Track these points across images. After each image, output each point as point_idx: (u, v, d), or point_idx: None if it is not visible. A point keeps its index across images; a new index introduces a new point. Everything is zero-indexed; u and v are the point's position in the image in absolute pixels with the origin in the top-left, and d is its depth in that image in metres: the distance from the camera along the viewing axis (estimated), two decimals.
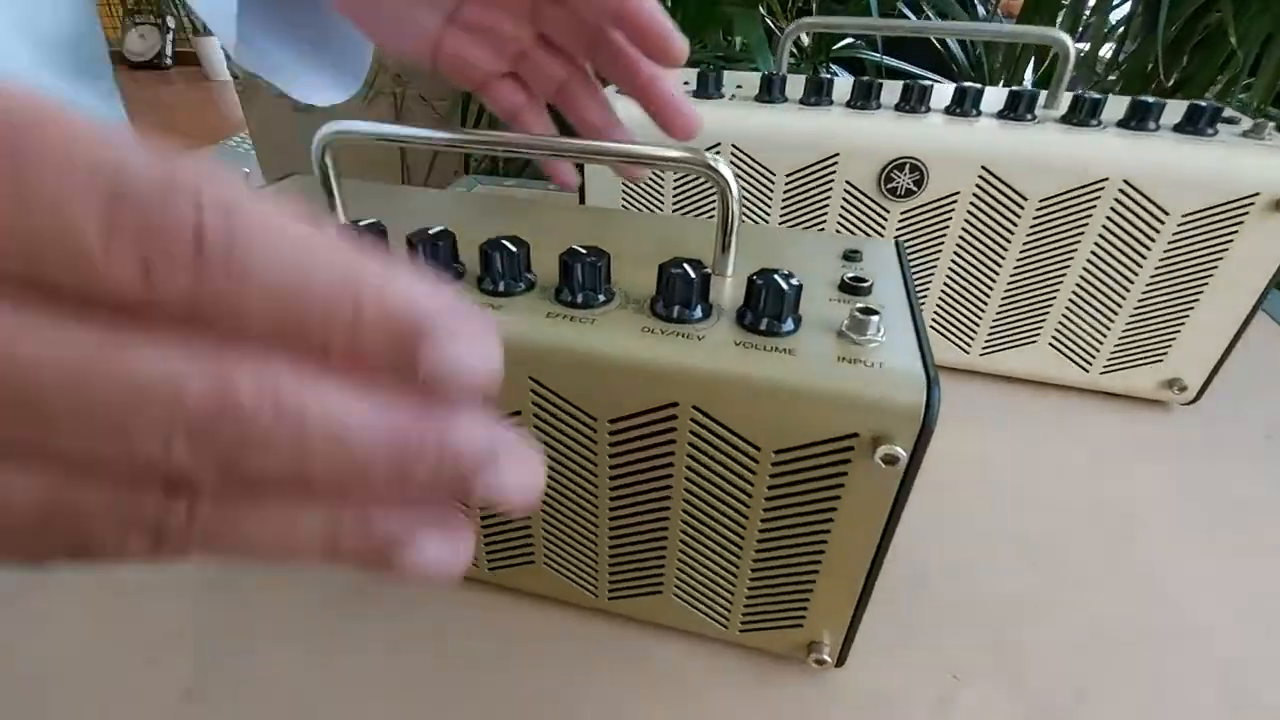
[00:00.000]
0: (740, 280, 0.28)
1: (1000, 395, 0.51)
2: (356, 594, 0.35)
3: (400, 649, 0.32)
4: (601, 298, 0.27)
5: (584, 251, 0.26)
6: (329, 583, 0.35)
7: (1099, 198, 0.43)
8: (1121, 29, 1.04)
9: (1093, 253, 0.45)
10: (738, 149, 0.48)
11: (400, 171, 1.61)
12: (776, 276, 0.25)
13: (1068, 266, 0.46)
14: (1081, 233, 0.44)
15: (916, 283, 0.49)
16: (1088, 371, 0.49)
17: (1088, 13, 1.05)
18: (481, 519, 0.32)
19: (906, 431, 0.23)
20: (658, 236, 0.33)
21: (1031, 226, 0.45)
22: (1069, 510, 0.41)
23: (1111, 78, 1.06)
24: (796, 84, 0.50)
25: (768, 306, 0.25)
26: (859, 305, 0.25)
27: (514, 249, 0.27)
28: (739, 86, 0.53)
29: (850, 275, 0.28)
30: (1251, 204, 0.41)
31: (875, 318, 0.24)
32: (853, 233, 0.49)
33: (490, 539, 0.32)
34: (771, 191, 0.49)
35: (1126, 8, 1.04)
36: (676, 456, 0.26)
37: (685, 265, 0.25)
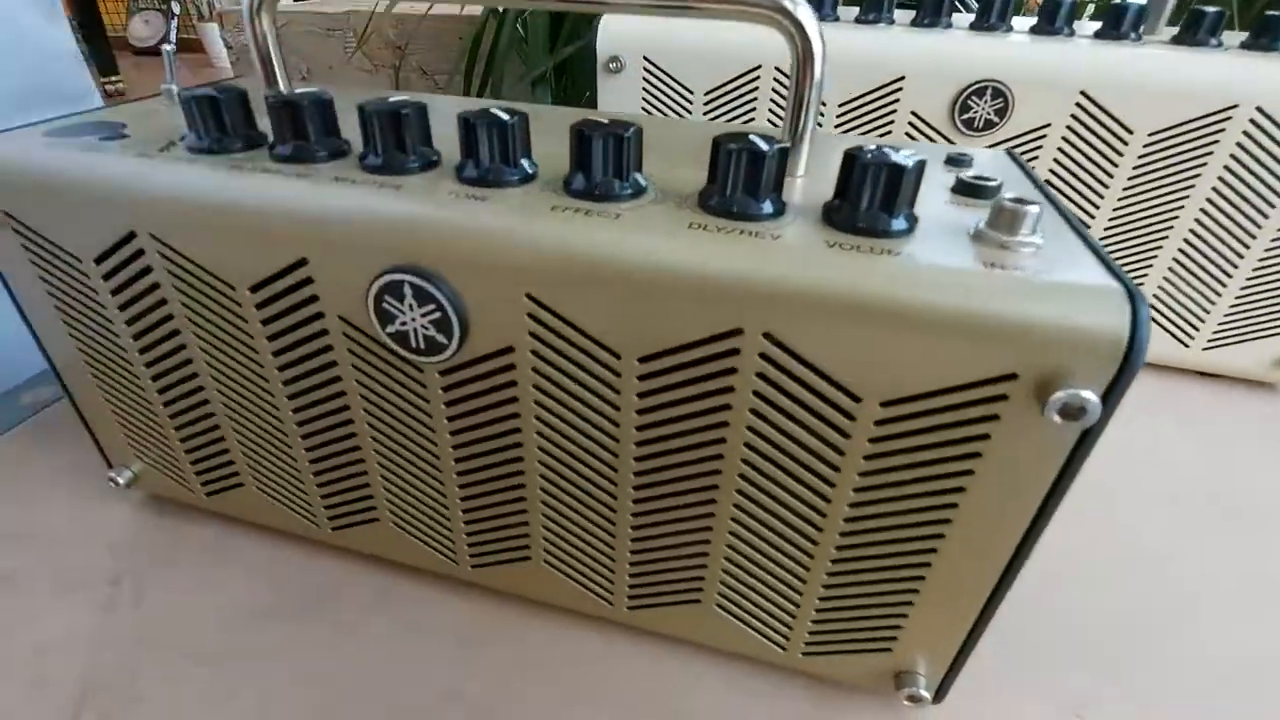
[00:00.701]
0: (817, 182, 0.21)
1: None
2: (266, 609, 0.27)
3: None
4: (629, 188, 0.19)
5: (605, 123, 0.18)
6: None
7: (1223, 131, 0.35)
8: None
9: (1208, 199, 0.37)
10: (783, 72, 0.40)
11: None
12: (885, 148, 0.17)
13: (1176, 217, 0.38)
14: (1198, 174, 0.37)
15: None
16: (1188, 347, 0.42)
17: None
18: (485, 509, 0.24)
19: (1097, 368, 0.15)
20: (697, 137, 0.25)
21: (1135, 167, 0.37)
22: (1185, 509, 0.33)
23: None
24: (848, 9, 0.43)
25: (873, 192, 0.17)
26: (1008, 196, 0.17)
27: (506, 118, 0.19)
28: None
29: (970, 175, 0.21)
30: None
31: (1032, 209, 0.17)
32: None
33: (479, 533, 0.25)
34: (820, 125, 0.41)
35: None
36: (733, 412, 0.18)
37: (753, 137, 0.17)
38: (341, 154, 0.22)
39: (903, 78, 0.39)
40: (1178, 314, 0.41)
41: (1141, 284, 0.40)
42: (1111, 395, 0.15)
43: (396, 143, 0.20)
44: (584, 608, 0.25)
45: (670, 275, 0.17)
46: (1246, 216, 0.37)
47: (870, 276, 0.16)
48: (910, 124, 0.40)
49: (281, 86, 0.25)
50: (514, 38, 0.75)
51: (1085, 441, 0.16)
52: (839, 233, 0.17)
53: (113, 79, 1.96)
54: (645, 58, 0.42)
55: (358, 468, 0.25)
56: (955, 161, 0.23)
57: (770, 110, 0.41)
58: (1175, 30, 0.38)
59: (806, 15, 0.19)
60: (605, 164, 0.18)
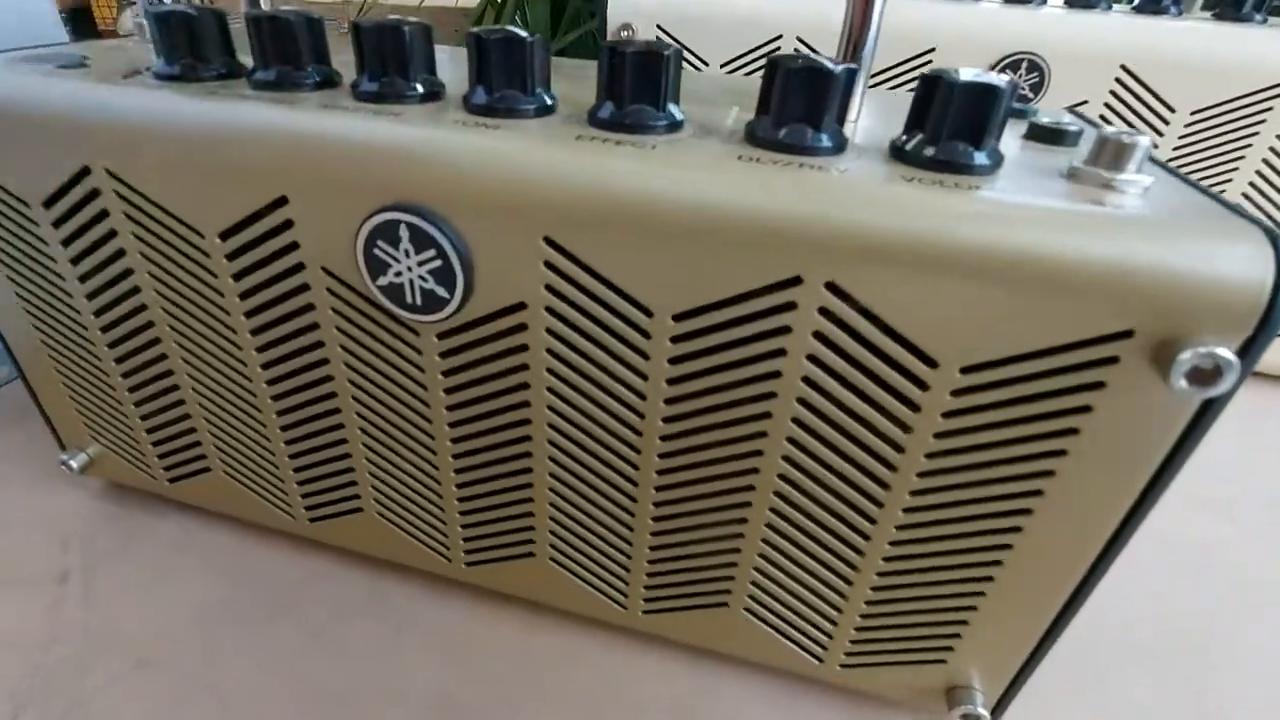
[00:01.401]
0: (875, 127, 0.18)
1: None
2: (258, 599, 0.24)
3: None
4: (664, 119, 0.16)
5: (642, 42, 0.16)
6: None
7: (1270, 109, 0.33)
8: None
9: (1251, 183, 0.35)
10: (803, 43, 0.38)
11: None
12: (966, 71, 0.14)
13: None
14: (1243, 156, 0.35)
15: None
16: None
17: None
18: (482, 509, 0.21)
19: (1231, 323, 0.13)
20: (730, 84, 0.23)
21: (1176, 147, 0.35)
22: (1241, 511, 0.31)
23: None
24: None
25: (958, 119, 0.14)
26: (1109, 130, 0.15)
27: (525, 35, 0.16)
28: None
29: (1044, 120, 0.18)
30: None
31: (1143, 140, 0.14)
32: None
33: (477, 524, 0.22)
34: None
35: None
36: (783, 380, 0.16)
37: (820, 60, 0.15)
38: (332, 83, 0.19)
39: (933, 50, 0.36)
40: None
41: None
42: (1249, 356, 0.13)
43: (396, 67, 0.17)
44: (594, 611, 0.23)
45: (717, 213, 0.14)
46: None
47: (954, 216, 0.13)
48: None
49: (264, 4, 0.22)
50: (515, 24, 0.72)
51: (1208, 412, 0.13)
52: (914, 169, 0.15)
53: None
54: (659, 26, 0.40)
55: (340, 449, 0.22)
56: (1018, 114, 0.21)
57: None
58: (1215, 9, 0.37)
59: None
60: (639, 89, 0.16)
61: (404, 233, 0.16)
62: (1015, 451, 0.15)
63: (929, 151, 0.15)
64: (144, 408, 0.24)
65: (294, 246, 0.18)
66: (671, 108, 0.16)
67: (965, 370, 0.14)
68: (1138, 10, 0.36)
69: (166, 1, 0.23)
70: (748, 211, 0.14)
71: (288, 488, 0.24)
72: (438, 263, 0.16)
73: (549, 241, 0.16)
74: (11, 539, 0.26)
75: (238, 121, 0.17)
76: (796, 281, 0.14)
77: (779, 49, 0.38)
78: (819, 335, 0.15)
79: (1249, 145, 0.34)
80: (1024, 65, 0.35)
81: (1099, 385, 0.14)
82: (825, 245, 0.14)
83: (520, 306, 0.17)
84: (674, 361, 0.16)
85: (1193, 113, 0.34)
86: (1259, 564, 0.28)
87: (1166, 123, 0.35)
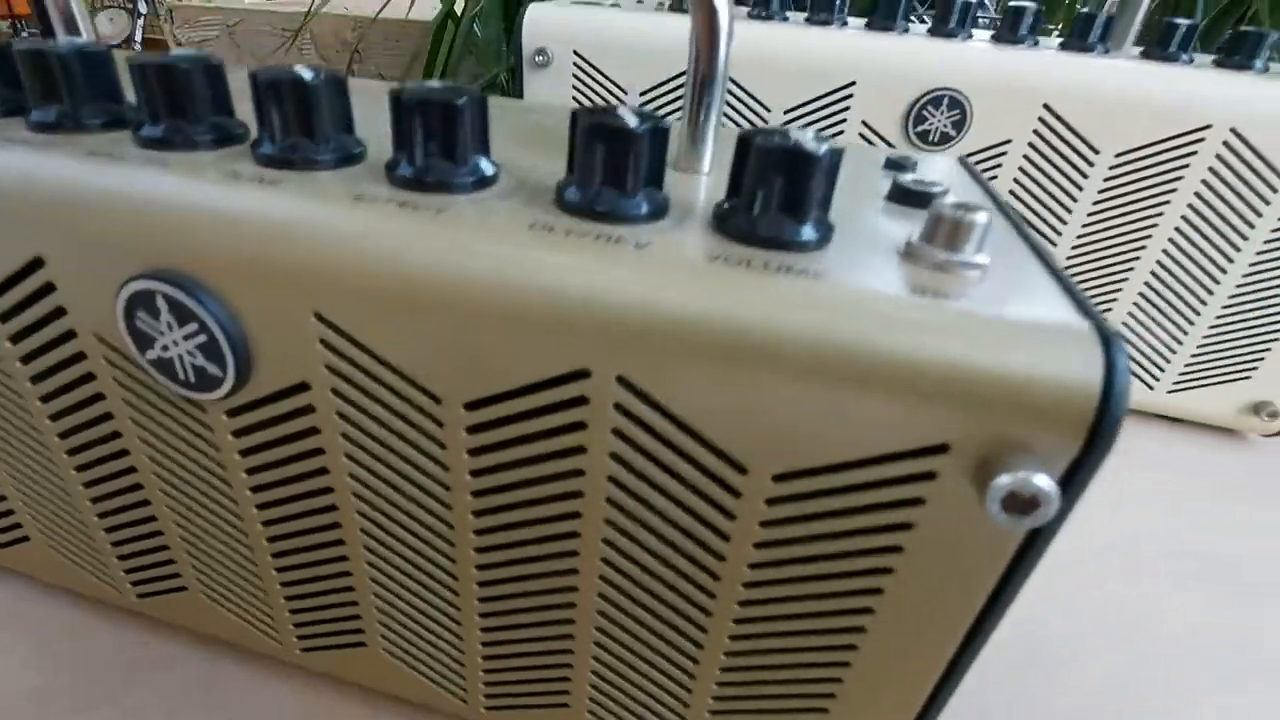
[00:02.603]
0: (721, 181, 0.17)
1: None
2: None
3: None
4: (469, 176, 0.14)
5: (435, 88, 0.14)
6: None
7: (1195, 153, 0.32)
8: None
9: (1177, 228, 0.34)
10: (734, 81, 0.36)
11: None
12: (793, 133, 0.13)
13: (1144, 245, 0.35)
14: (1167, 200, 0.34)
15: None
16: (1152, 389, 0.38)
17: None
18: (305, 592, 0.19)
19: (1055, 442, 0.11)
20: None
21: (1101, 190, 0.34)
22: (1160, 571, 0.30)
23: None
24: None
25: (774, 189, 0.13)
26: (949, 201, 0.13)
27: (309, 78, 0.14)
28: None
29: (909, 179, 0.17)
30: None
31: (979, 218, 0.12)
32: None
33: (303, 610, 0.20)
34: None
35: None
36: (587, 478, 0.14)
37: (623, 111, 0.13)
38: (120, 123, 0.17)
39: (853, 83, 0.35)
40: (1144, 353, 0.38)
41: (1107, 313, 0.37)
42: (1074, 481, 0.11)
43: (178, 108, 0.15)
44: (437, 704, 0.21)
45: (492, 295, 0.12)
46: (1218, 248, 0.34)
47: (754, 303, 0.12)
48: (861, 135, 0.36)
49: (60, 36, 0.20)
50: (469, 40, 0.71)
51: (1036, 543, 0.12)
52: (729, 242, 0.13)
53: None
54: (575, 51, 0.38)
55: (150, 526, 0.20)
56: (896, 165, 0.19)
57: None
58: (1142, 47, 0.36)
59: (724, 6, 0.15)
60: (433, 143, 0.14)
61: (161, 303, 0.14)
62: (841, 566, 0.13)
63: (746, 223, 0.13)
64: None
65: (61, 312, 0.16)
66: (480, 161, 0.15)
67: (778, 479, 0.13)
68: (1064, 47, 0.35)
69: None
70: (523, 293, 0.12)
71: (107, 562, 0.21)
72: (203, 338, 0.14)
73: (320, 318, 0.14)
74: None
75: None
76: (585, 374, 0.13)
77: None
78: (618, 433, 0.13)
79: (1174, 188, 0.33)
80: (945, 102, 0.34)
81: (918, 501, 0.12)
82: (611, 334, 0.12)
83: (304, 387, 0.15)
84: (473, 452, 0.14)
85: (1118, 154, 0.33)
86: (1181, 624, 0.27)
87: (1091, 164, 0.34)
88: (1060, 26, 0.62)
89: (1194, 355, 0.37)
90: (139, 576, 0.21)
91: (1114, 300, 0.37)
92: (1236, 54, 0.34)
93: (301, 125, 0.15)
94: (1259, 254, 0.34)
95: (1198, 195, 0.33)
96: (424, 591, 0.18)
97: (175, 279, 0.14)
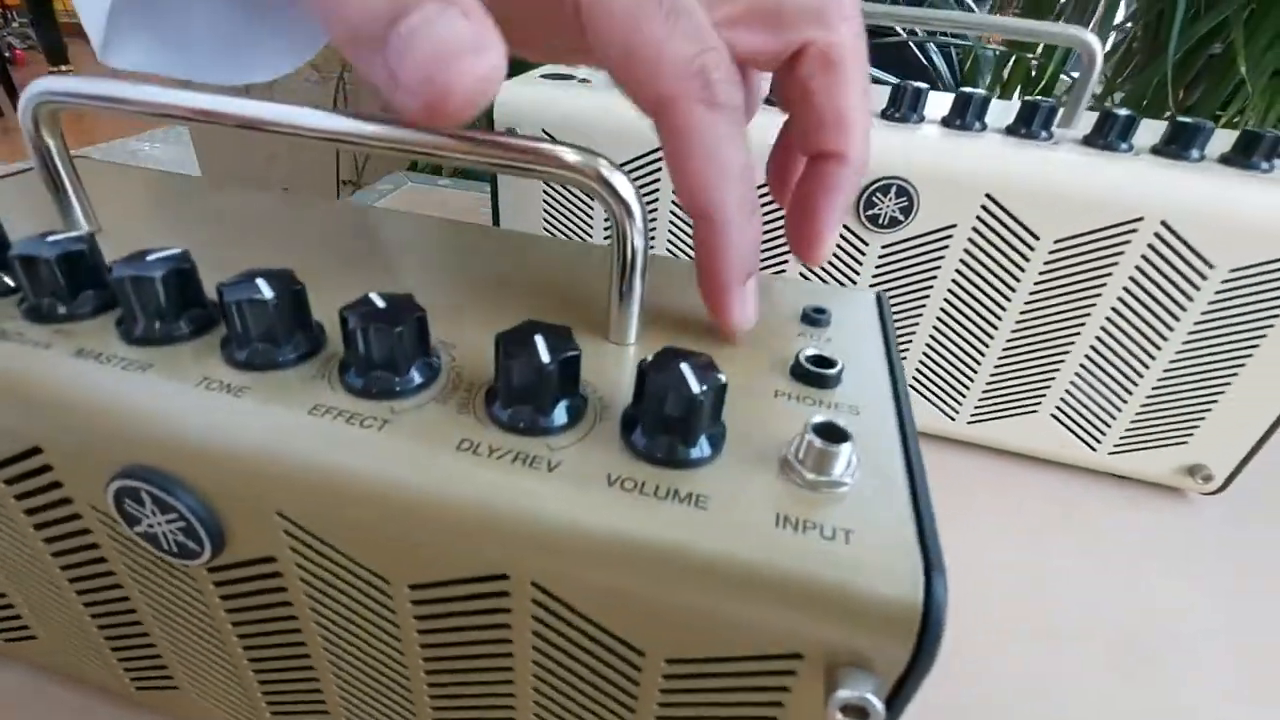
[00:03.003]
0: (646, 353, 0.19)
1: (988, 471, 0.42)
2: None
3: None
4: (415, 377, 0.17)
5: (381, 305, 0.16)
6: None
7: (1129, 242, 0.34)
8: (1123, 47, 0.97)
9: (1114, 309, 0.36)
10: None
11: (335, 174, 1.49)
12: (685, 366, 0.15)
13: (1082, 324, 0.37)
14: (1104, 284, 0.36)
15: (899, 328, 0.40)
16: (1094, 450, 0.41)
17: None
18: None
19: (887, 653, 0.13)
20: (558, 275, 0.23)
21: (1042, 273, 0.36)
22: (1082, 640, 0.32)
23: (1111, 100, 0.99)
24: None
25: (666, 419, 0.15)
26: (818, 420, 0.15)
27: (266, 296, 0.16)
28: None
29: (810, 354, 0.19)
30: None
31: (845, 448, 0.15)
32: (822, 267, 0.39)
33: (283, 714, 0.22)
34: None
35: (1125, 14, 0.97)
36: (516, 658, 0.16)
37: (538, 339, 0.15)
38: (109, 306, 0.19)
39: None
40: (1084, 417, 0.40)
41: (1050, 384, 0.39)
42: (904, 690, 0.13)
43: (154, 313, 0.17)
44: None
45: (424, 505, 0.15)
46: (1153, 326, 0.36)
47: (643, 528, 0.14)
48: None
49: (81, 221, 0.22)
50: None
51: None
52: (630, 458, 0.15)
53: (63, 68, 1.87)
54: (544, 130, 0.40)
55: (144, 640, 0.22)
56: (811, 319, 0.21)
57: (673, 209, 0.39)
58: (1086, 131, 0.37)
59: (621, 182, 0.17)
60: (376, 354, 0.16)
61: (145, 497, 0.16)
62: None
63: (642, 442, 0.15)
64: None
65: (58, 485, 0.18)
66: (416, 370, 0.17)
67: (670, 662, 0.15)
68: (1010, 132, 0.37)
69: None
70: (450, 506, 0.14)
71: (108, 662, 0.24)
72: (182, 523, 0.16)
73: (281, 515, 0.16)
74: None
75: None
76: (504, 577, 0.15)
77: (661, 163, 0.39)
78: (538, 619, 0.15)
79: (1110, 273, 0.35)
80: (894, 190, 0.36)
81: (785, 690, 0.14)
82: (523, 545, 0.14)
83: (271, 559, 0.17)
84: (419, 618, 0.17)
85: (1056, 241, 0.35)
86: (1097, 699, 0.29)
87: (1031, 249, 0.36)
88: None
89: (1133, 421, 0.39)
90: (135, 676, 0.24)
91: (1056, 372, 0.39)
92: (1175, 143, 0.35)
93: (262, 336, 0.17)
94: (1191, 333, 0.36)
95: (1132, 279, 0.35)
96: (385, 711, 0.20)
97: (155, 478, 0.16)
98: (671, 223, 0.41)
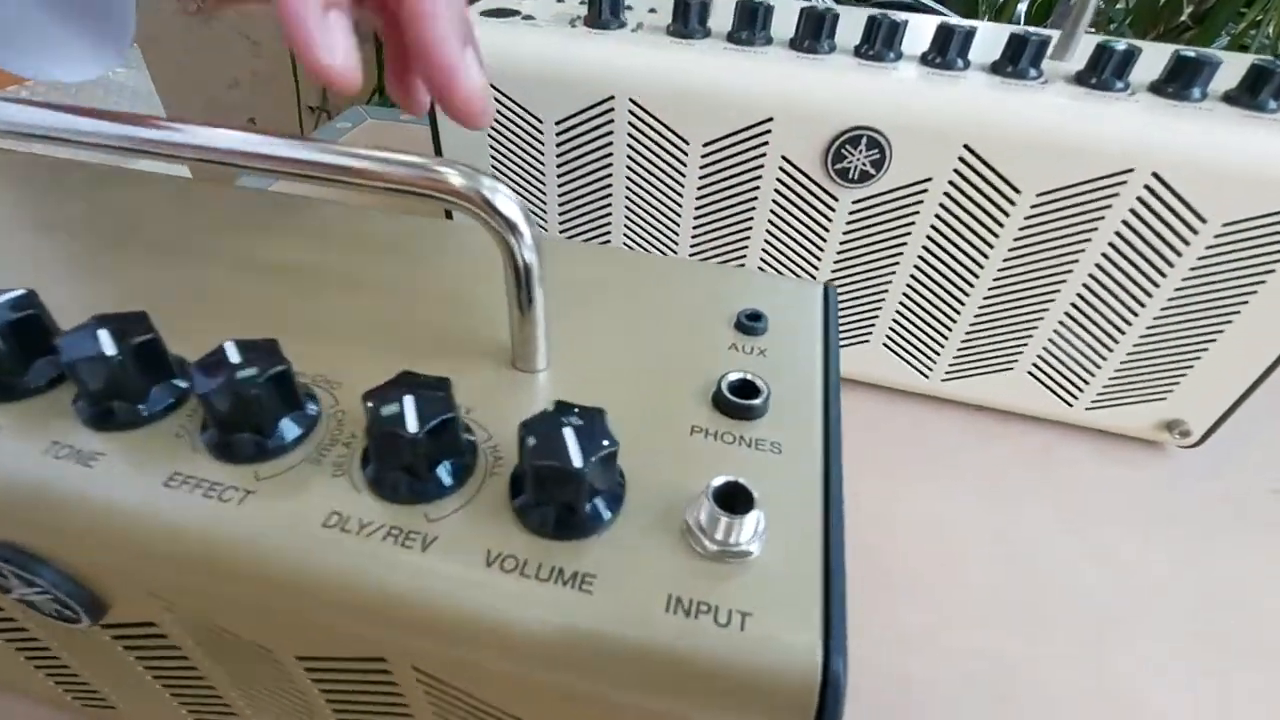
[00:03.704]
0: (564, 376, 0.17)
1: (963, 428, 0.41)
2: None
3: None
4: (286, 433, 0.15)
5: (237, 360, 0.14)
6: None
7: (1116, 195, 0.31)
8: None
9: (1098, 265, 0.34)
10: (637, 104, 0.35)
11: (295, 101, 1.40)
12: (568, 433, 0.13)
13: (1064, 281, 0.35)
14: (1088, 239, 0.33)
15: (871, 287, 0.38)
16: (1072, 406, 0.39)
17: None
18: None
19: None
20: (470, 280, 0.21)
21: (1022, 227, 0.34)
22: (1045, 600, 0.32)
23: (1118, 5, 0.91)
24: (725, 9, 0.36)
25: (548, 492, 0.13)
26: (720, 484, 0.14)
27: (112, 351, 0.14)
28: (651, 11, 0.39)
29: (733, 380, 0.17)
30: None
31: (750, 517, 0.13)
32: (788, 225, 0.37)
33: None
34: (685, 166, 0.36)
35: None
36: (415, 710, 0.15)
37: (409, 402, 0.13)
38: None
39: (771, 119, 0.33)
40: (1062, 374, 0.38)
41: (1027, 342, 0.37)
42: None
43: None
44: None
45: (289, 586, 0.13)
46: (1138, 282, 0.34)
47: (523, 613, 0.13)
48: (781, 169, 0.35)
49: None
50: None
51: None
52: (514, 528, 0.14)
53: None
54: (493, 85, 0.36)
55: (76, 678, 0.22)
56: (745, 327, 0.19)
57: (629, 149, 0.36)
58: (1080, 66, 0.33)
59: (507, 203, 0.15)
60: (236, 416, 0.14)
61: (7, 571, 0.15)
62: None
63: (528, 508, 0.14)
64: None
65: None
66: (284, 428, 0.15)
67: None
68: (996, 70, 0.33)
69: None
70: (309, 586, 0.13)
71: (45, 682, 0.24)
72: (49, 595, 0.15)
73: (154, 594, 0.15)
74: None
75: None
76: (383, 660, 0.14)
77: (612, 110, 0.35)
78: (429, 694, 0.14)
79: (1095, 228, 0.33)
80: (864, 141, 0.33)
81: None
82: (395, 629, 0.13)
83: (153, 624, 0.16)
84: (317, 688, 0.16)
85: (1038, 194, 0.32)
86: (1046, 661, 0.29)
87: (1012, 203, 0.33)
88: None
89: (1112, 378, 0.38)
90: (76, 698, 0.24)
91: (1034, 329, 0.37)
92: (1175, 81, 0.32)
93: (111, 394, 0.15)
94: (1177, 289, 0.33)
95: (1118, 234, 0.33)
96: None
97: (12, 555, 0.15)
98: (627, 210, 0.38)
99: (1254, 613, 0.32)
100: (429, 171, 0.14)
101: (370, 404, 0.14)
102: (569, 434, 0.13)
